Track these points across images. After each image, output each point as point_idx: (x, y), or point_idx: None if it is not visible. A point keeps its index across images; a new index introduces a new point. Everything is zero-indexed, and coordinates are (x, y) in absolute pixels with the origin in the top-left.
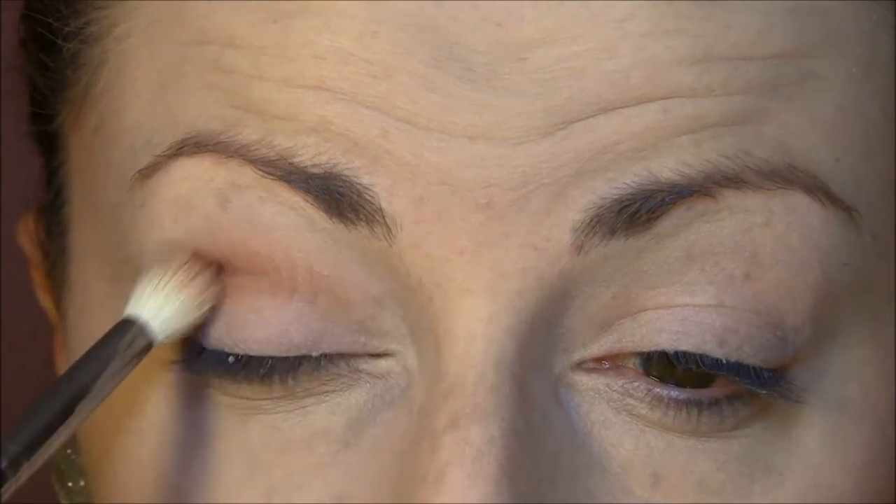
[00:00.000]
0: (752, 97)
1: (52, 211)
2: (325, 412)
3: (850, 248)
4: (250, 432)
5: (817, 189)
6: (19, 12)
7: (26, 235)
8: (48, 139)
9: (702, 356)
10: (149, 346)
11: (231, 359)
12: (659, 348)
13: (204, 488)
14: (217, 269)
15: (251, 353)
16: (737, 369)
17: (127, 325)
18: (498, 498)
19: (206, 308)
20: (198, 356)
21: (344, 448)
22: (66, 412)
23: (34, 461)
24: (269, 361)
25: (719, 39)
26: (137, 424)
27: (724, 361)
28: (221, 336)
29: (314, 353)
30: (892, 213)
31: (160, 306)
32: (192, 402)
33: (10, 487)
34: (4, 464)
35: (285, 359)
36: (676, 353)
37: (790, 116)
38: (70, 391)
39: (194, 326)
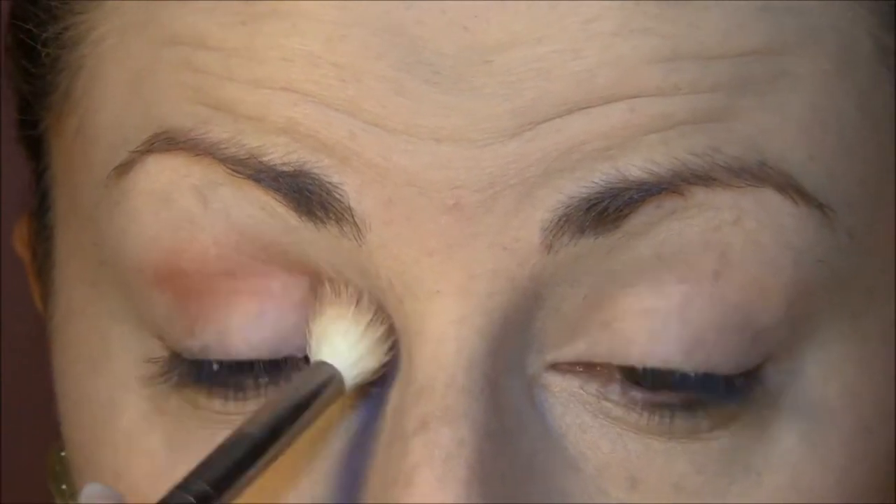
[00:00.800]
0: (722, 95)
1: (38, 216)
2: (297, 425)
3: (824, 245)
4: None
5: (789, 187)
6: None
7: (21, 241)
8: (34, 144)
9: (670, 372)
10: (340, 391)
11: (215, 366)
12: (628, 363)
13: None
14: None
15: (241, 359)
16: (703, 383)
17: (321, 369)
18: (468, 500)
19: (386, 352)
20: (176, 368)
21: (316, 458)
22: (257, 453)
23: (224, 499)
24: (255, 366)
25: (687, 38)
26: (112, 436)
27: (693, 375)
28: (211, 344)
29: (299, 355)
30: (870, 210)
31: (359, 357)
32: (165, 416)
33: None
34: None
35: (271, 362)
36: (644, 370)
37: (762, 114)
38: (263, 432)
39: (378, 374)
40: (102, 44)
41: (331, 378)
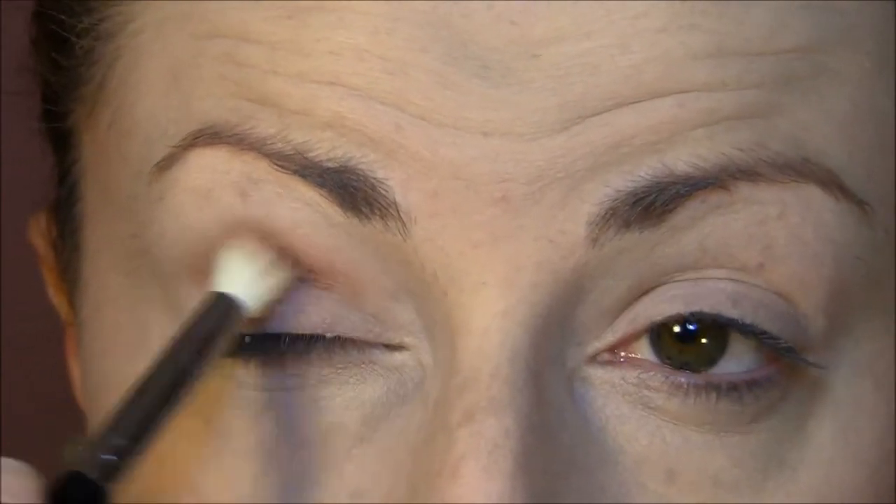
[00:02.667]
0: (766, 91)
1: (65, 208)
2: (340, 407)
3: (862, 242)
4: (264, 429)
5: (831, 183)
6: (22, 13)
7: (38, 234)
8: (60, 137)
9: (717, 315)
10: (240, 319)
11: (247, 339)
12: (674, 312)
13: (219, 485)
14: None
15: (267, 331)
16: (752, 329)
17: (220, 300)
18: (513, 492)
19: (285, 280)
20: None
21: (359, 443)
22: (169, 397)
23: (139, 451)
24: (286, 339)
25: (733, 35)
26: None
27: (740, 321)
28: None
29: (328, 335)
30: None
31: (250, 280)
32: (207, 400)
33: (120, 480)
34: (111, 457)
35: (299, 338)
36: (692, 313)
37: (804, 111)
38: (170, 374)
39: (277, 298)
40: (140, 36)
41: (228, 306)
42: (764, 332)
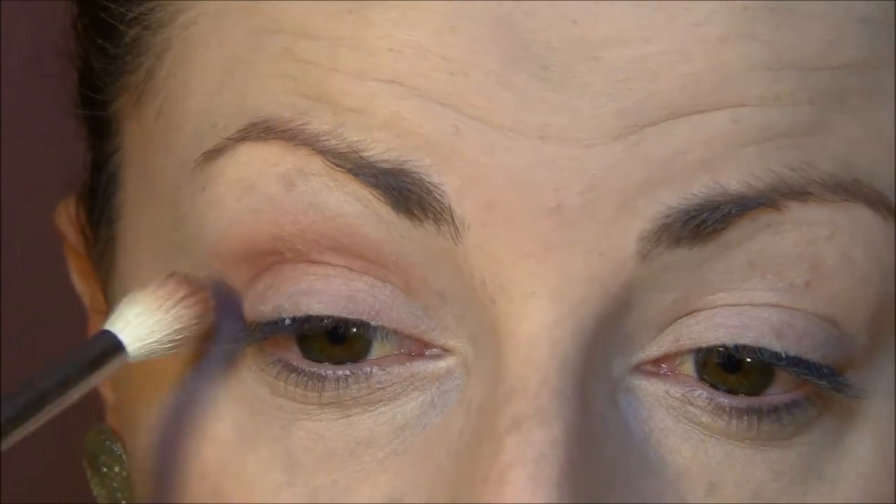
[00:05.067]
0: (819, 108)
1: (102, 198)
2: (370, 422)
3: None
4: (293, 438)
5: (880, 203)
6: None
7: (67, 219)
8: (100, 124)
9: (761, 349)
10: (121, 359)
11: (287, 321)
12: (718, 342)
13: (244, 491)
14: (204, 293)
15: (311, 313)
16: (796, 362)
17: (104, 339)
18: (561, 500)
19: (186, 334)
20: (250, 334)
21: (392, 455)
22: (23, 417)
23: None
24: (328, 322)
25: (791, 48)
26: (181, 422)
27: (784, 355)
28: (283, 303)
29: (373, 322)
30: None
31: (145, 329)
32: (237, 404)
33: None
34: None
35: (344, 326)
36: (736, 346)
37: (855, 129)
38: (31, 395)
39: (173, 349)
40: (192, 27)
41: (109, 348)
42: (806, 367)
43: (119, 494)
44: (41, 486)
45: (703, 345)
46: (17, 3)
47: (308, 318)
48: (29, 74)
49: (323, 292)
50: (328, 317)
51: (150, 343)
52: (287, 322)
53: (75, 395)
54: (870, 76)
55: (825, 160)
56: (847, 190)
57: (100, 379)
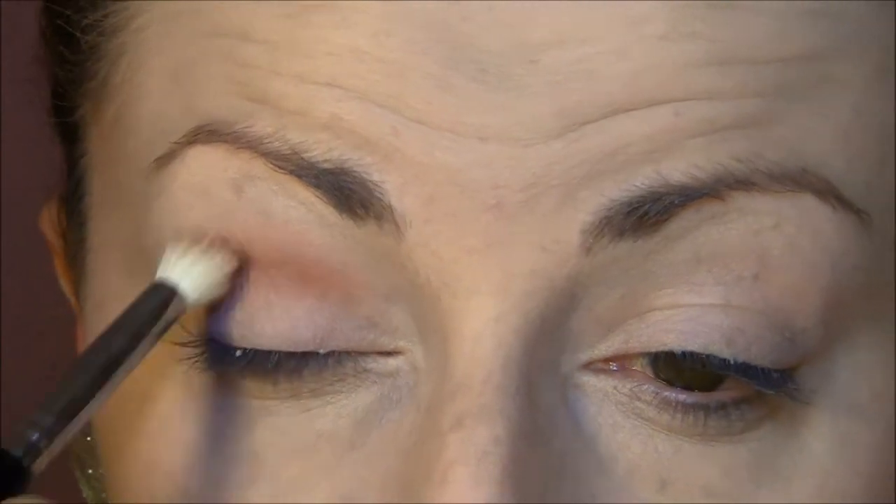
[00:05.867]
0: (767, 100)
1: (72, 202)
2: (332, 415)
3: (860, 251)
4: (256, 435)
5: (828, 192)
6: (27, 8)
7: (49, 224)
8: (68, 131)
9: (709, 356)
10: (182, 310)
11: (238, 352)
12: (666, 348)
13: (210, 489)
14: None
15: (260, 348)
16: (745, 370)
17: (159, 289)
18: (502, 499)
19: (230, 273)
20: (204, 352)
21: (350, 449)
22: (100, 381)
23: (66, 433)
24: (276, 357)
25: (735, 43)
26: (147, 424)
27: (732, 362)
28: (231, 330)
29: (322, 351)
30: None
31: (189, 269)
32: (199, 404)
33: (44, 462)
34: (36, 436)
35: (292, 355)
36: (684, 353)
37: (804, 119)
38: (103, 359)
39: (221, 292)
40: (144, 33)
41: (169, 295)
42: (754, 374)
43: (104, 494)
44: (34, 487)
45: (652, 349)
46: (17, 2)
47: (256, 352)
48: (28, 74)
49: (266, 323)
50: (274, 351)
51: (203, 287)
52: (236, 353)
53: (147, 350)
54: (819, 67)
55: (773, 150)
56: (794, 180)
57: (164, 332)
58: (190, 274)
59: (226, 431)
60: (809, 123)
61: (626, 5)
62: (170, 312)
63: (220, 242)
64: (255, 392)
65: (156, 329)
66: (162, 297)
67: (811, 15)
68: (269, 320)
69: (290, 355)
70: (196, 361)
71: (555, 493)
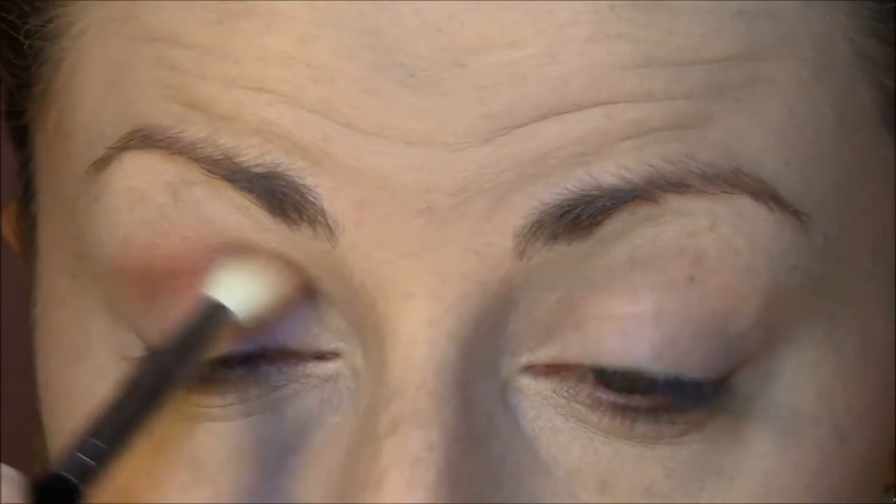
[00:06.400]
0: (697, 101)
1: (24, 204)
2: (273, 420)
3: (799, 251)
4: (197, 439)
5: (764, 193)
6: None
7: (10, 228)
8: (19, 134)
9: (639, 374)
10: (230, 326)
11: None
12: (598, 364)
13: (151, 492)
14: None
15: (198, 357)
16: (673, 385)
17: (212, 308)
18: (436, 502)
19: (277, 296)
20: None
21: (291, 453)
22: (151, 404)
23: (117, 455)
24: (227, 361)
25: (662, 44)
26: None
27: (662, 379)
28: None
29: (269, 345)
30: (845, 215)
31: (238, 286)
32: None
33: (98, 483)
34: (88, 460)
35: (242, 361)
36: (615, 370)
37: (737, 120)
38: (155, 380)
39: (273, 309)
40: (82, 37)
41: (216, 313)
42: (681, 392)
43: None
44: None
45: (587, 363)
46: None
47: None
48: None
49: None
50: (222, 357)
51: (253, 303)
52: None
53: (193, 370)
54: (751, 67)
55: (705, 152)
56: (727, 181)
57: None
58: (241, 292)
59: (169, 435)
60: (742, 124)
61: (552, 8)
62: (219, 330)
63: (276, 266)
64: (201, 401)
65: (206, 348)
66: (214, 315)
67: (741, 15)
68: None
69: (241, 361)
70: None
71: (493, 496)
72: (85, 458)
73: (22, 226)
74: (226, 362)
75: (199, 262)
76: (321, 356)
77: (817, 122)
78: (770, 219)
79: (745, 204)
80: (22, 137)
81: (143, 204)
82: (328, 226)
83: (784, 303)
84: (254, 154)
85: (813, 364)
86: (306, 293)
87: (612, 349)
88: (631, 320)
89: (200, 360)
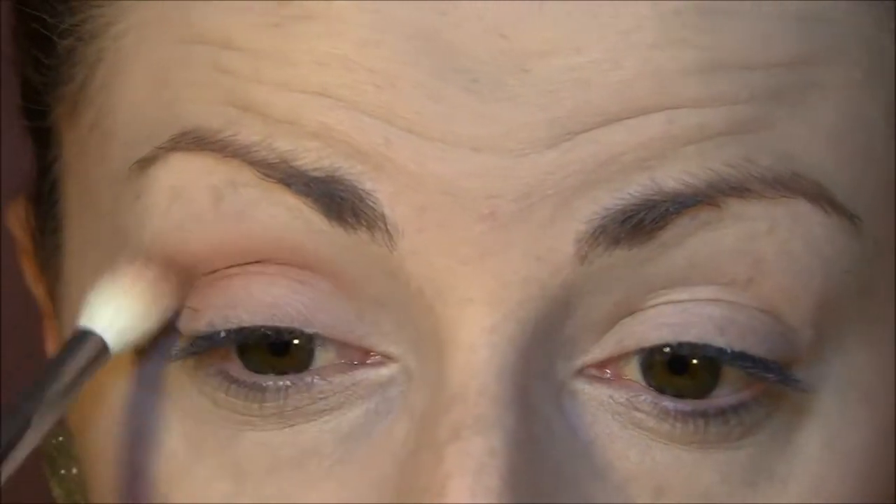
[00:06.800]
0: (756, 106)
1: (46, 206)
2: (315, 431)
3: (852, 254)
4: (239, 448)
5: (820, 196)
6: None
7: (17, 222)
8: (41, 134)
9: (705, 346)
10: (105, 356)
11: (223, 333)
12: (661, 341)
13: (193, 501)
14: (181, 275)
15: (242, 325)
16: (741, 357)
17: (83, 337)
18: None
19: (162, 315)
20: (188, 347)
21: (337, 463)
22: (23, 428)
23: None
24: (261, 331)
25: (724, 49)
26: (129, 436)
27: (728, 351)
28: (213, 318)
29: (307, 329)
30: (892, 218)
31: (114, 315)
32: (183, 415)
33: None
34: None
35: (276, 334)
36: (680, 343)
37: (793, 124)
38: (26, 408)
39: (152, 332)
40: (123, 38)
41: (94, 340)
42: (751, 362)
43: (77, 496)
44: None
45: (647, 345)
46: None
47: (240, 329)
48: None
49: (246, 302)
50: (259, 327)
51: (129, 333)
52: (222, 335)
53: (67, 404)
54: (806, 72)
55: (764, 156)
56: (786, 185)
57: (88, 382)
58: (116, 320)
59: (208, 443)
60: (798, 128)
61: (617, 14)
62: (93, 362)
63: (155, 273)
64: (240, 409)
65: (76, 380)
66: (86, 346)
67: (799, 19)
68: (249, 300)
69: (275, 334)
70: (179, 357)
71: (552, 501)
72: None
73: (33, 224)
74: (270, 369)
75: (238, 258)
76: (371, 363)
77: (868, 125)
78: (825, 222)
79: (802, 207)
80: (44, 138)
81: (182, 201)
82: (387, 231)
83: (834, 306)
84: (312, 158)
85: (859, 366)
86: (348, 297)
87: (674, 328)
88: (689, 302)
89: (74, 391)
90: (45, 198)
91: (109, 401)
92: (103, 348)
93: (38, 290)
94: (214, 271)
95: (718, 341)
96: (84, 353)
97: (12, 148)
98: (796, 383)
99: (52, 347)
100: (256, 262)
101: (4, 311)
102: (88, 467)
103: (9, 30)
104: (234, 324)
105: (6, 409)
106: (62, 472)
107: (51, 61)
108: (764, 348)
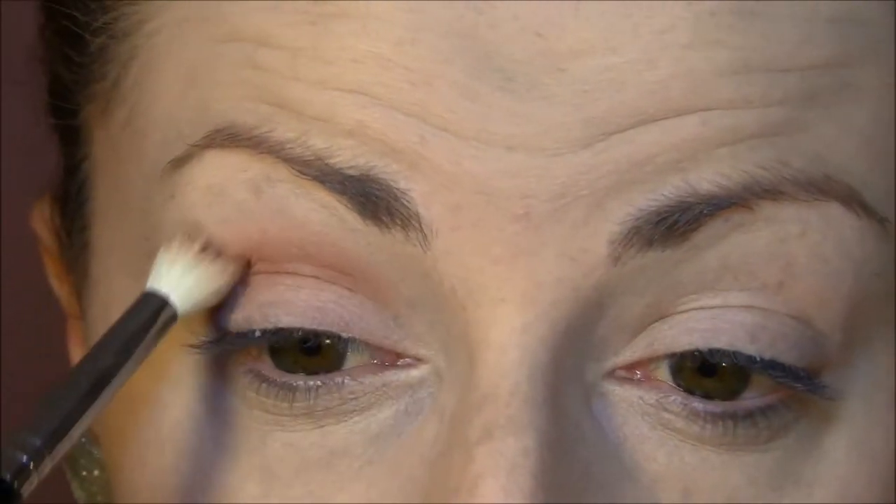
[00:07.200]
0: (790, 108)
1: (74, 205)
2: (344, 432)
3: (881, 258)
4: (268, 449)
5: (852, 200)
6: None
7: (41, 222)
8: (70, 133)
9: (735, 353)
10: (172, 320)
11: (258, 332)
12: (692, 347)
13: (220, 502)
14: (239, 257)
15: (281, 325)
16: (771, 366)
17: (148, 300)
18: None
19: (226, 282)
20: (220, 342)
21: (367, 464)
22: (89, 398)
23: (56, 453)
24: (299, 333)
25: (758, 51)
26: (158, 434)
27: (758, 358)
28: (252, 314)
29: (344, 334)
30: None
31: (179, 278)
32: (213, 415)
33: (33, 483)
34: (25, 458)
35: (315, 336)
36: (711, 350)
37: (826, 127)
38: (92, 375)
39: (216, 300)
40: (156, 36)
41: (160, 308)
42: (781, 370)
43: (99, 497)
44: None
45: (677, 349)
46: (15, 1)
47: (278, 331)
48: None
49: (292, 303)
50: (298, 328)
51: (195, 297)
52: (257, 334)
53: (137, 364)
54: (839, 74)
55: (797, 158)
56: (818, 187)
57: (155, 345)
58: (182, 283)
59: (237, 444)
60: (832, 131)
61: (652, 13)
62: (160, 324)
63: (216, 251)
64: (270, 408)
65: (146, 342)
66: (152, 308)
67: (833, 22)
68: (296, 301)
69: (313, 336)
70: (209, 349)
71: (581, 501)
72: (20, 455)
73: (58, 223)
74: (301, 369)
75: (280, 253)
76: (401, 364)
77: None
78: (856, 226)
79: (835, 211)
80: (73, 137)
81: (221, 199)
82: (422, 230)
83: (863, 309)
84: (347, 156)
85: (885, 370)
86: (385, 304)
87: (705, 333)
88: (720, 308)
89: (141, 355)
90: (72, 196)
91: (138, 401)
92: (171, 314)
93: (62, 289)
94: (258, 272)
95: (749, 349)
96: (151, 314)
97: (12, 150)
98: (824, 390)
99: (75, 348)
100: (303, 261)
101: (5, 311)
102: (113, 470)
103: (16, 32)
104: (272, 323)
105: (63, 382)
106: (84, 473)
107: (82, 59)
108: (794, 355)
